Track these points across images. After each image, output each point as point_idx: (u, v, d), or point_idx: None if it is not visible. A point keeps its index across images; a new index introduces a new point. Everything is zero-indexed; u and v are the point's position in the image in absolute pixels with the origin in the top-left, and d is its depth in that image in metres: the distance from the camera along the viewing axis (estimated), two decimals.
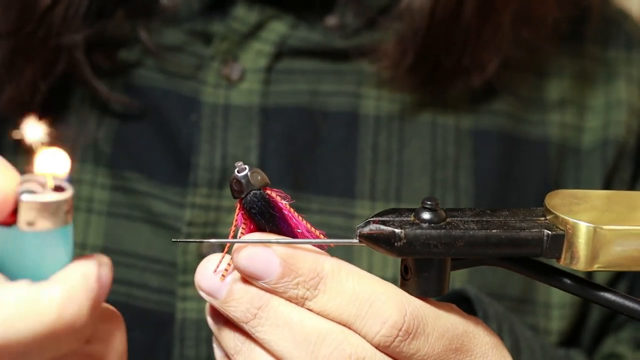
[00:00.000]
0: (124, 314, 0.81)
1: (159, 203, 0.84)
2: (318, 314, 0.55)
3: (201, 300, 0.80)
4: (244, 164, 0.56)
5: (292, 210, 0.57)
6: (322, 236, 0.58)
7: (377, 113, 0.88)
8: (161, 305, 0.82)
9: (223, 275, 0.57)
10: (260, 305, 0.55)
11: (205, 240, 0.59)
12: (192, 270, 0.81)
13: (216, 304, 0.57)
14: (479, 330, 0.59)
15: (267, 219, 0.56)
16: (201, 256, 0.82)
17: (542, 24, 0.88)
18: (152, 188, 0.85)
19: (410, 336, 0.55)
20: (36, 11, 0.80)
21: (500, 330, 0.72)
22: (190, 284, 0.82)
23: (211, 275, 0.57)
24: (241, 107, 0.86)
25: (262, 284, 0.55)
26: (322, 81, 0.88)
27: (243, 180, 0.56)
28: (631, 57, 0.94)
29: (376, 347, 0.55)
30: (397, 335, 0.55)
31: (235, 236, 0.57)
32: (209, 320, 0.59)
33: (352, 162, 0.86)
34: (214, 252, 0.81)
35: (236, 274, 0.57)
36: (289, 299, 0.55)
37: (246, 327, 0.56)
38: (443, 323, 0.57)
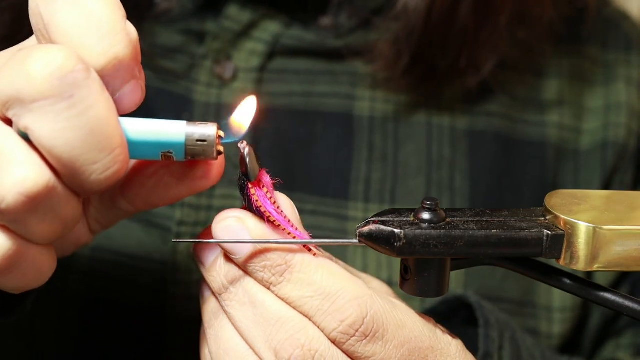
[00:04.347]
0: (114, 312, 0.83)
1: None
2: (282, 300, 0.59)
3: (191, 299, 0.82)
4: (247, 146, 0.59)
5: (276, 207, 0.60)
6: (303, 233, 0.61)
7: (372, 114, 0.89)
8: (152, 303, 0.83)
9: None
10: (232, 279, 0.60)
11: (205, 241, 0.61)
12: (183, 269, 0.82)
13: (203, 271, 0.62)
14: (451, 350, 0.61)
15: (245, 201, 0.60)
16: (191, 255, 0.83)
17: (538, 24, 0.90)
18: None
19: (367, 339, 0.58)
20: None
21: (501, 338, 0.74)
22: (181, 283, 0.83)
23: (206, 245, 0.62)
24: (233, 107, 0.87)
25: (236, 260, 0.60)
26: (316, 82, 0.89)
27: (241, 160, 0.59)
28: (630, 59, 0.95)
29: (332, 342, 0.58)
30: (354, 335, 0.58)
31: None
32: (200, 291, 0.64)
33: (346, 163, 0.88)
34: None
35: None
36: (257, 281, 0.59)
37: (220, 300, 0.61)
38: (406, 333, 0.59)
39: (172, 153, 0.57)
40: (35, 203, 0.52)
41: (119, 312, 0.84)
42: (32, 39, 0.58)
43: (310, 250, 0.60)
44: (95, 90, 0.52)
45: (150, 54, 0.87)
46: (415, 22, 0.85)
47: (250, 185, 0.60)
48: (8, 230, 0.54)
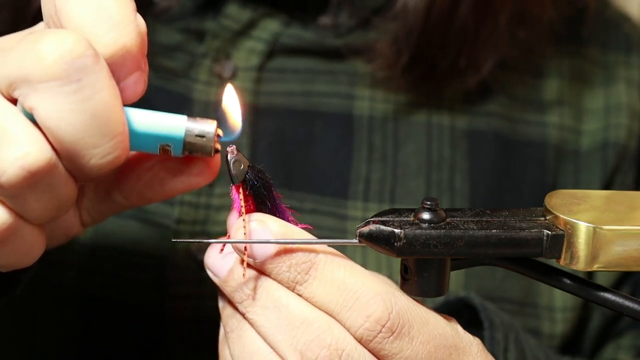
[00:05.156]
0: (112, 310, 0.83)
1: None
2: (307, 300, 0.59)
3: (189, 297, 0.82)
4: (233, 147, 0.60)
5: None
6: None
7: (371, 114, 0.89)
8: (150, 302, 0.84)
9: (221, 250, 0.61)
10: (254, 286, 0.59)
11: (205, 241, 0.62)
12: (181, 267, 0.83)
13: (218, 282, 0.61)
14: (472, 349, 0.61)
15: (267, 189, 0.61)
16: (190, 254, 0.83)
17: (538, 24, 0.90)
18: None
19: (394, 335, 0.58)
20: (29, 12, 0.81)
21: (506, 340, 0.74)
22: (179, 281, 0.83)
23: (217, 255, 0.61)
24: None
25: (257, 263, 0.59)
26: (315, 81, 0.89)
27: (241, 159, 0.60)
28: (631, 60, 0.96)
29: (359, 341, 0.58)
30: (380, 331, 0.57)
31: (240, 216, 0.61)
32: (219, 298, 0.63)
33: (345, 163, 0.88)
34: (202, 250, 0.84)
35: (238, 257, 0.60)
36: (281, 282, 0.59)
37: (240, 307, 0.60)
38: (430, 330, 0.59)
39: (170, 147, 0.58)
40: (35, 179, 0.53)
41: (117, 310, 0.84)
42: (41, 24, 0.59)
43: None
44: (102, 77, 0.53)
45: (150, 52, 0.87)
46: (415, 21, 0.85)
47: (233, 189, 0.60)
48: (5, 204, 0.55)
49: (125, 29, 0.55)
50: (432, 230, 0.58)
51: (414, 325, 0.58)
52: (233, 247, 0.60)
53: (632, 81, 0.95)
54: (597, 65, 0.95)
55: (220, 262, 0.61)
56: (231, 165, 0.59)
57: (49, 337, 0.83)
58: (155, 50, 0.88)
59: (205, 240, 0.61)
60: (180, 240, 0.84)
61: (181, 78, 0.88)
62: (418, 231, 0.58)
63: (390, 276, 0.83)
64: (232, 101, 0.62)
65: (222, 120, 0.61)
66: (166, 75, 0.88)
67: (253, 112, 0.88)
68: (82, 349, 0.84)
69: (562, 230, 0.58)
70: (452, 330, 0.60)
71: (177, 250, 0.84)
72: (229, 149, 0.60)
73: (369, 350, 0.58)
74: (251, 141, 0.87)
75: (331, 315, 0.58)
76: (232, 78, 0.88)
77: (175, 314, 0.83)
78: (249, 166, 0.60)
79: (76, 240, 0.84)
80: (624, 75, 0.95)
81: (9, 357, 0.84)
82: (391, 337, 0.57)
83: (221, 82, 0.88)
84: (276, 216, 0.61)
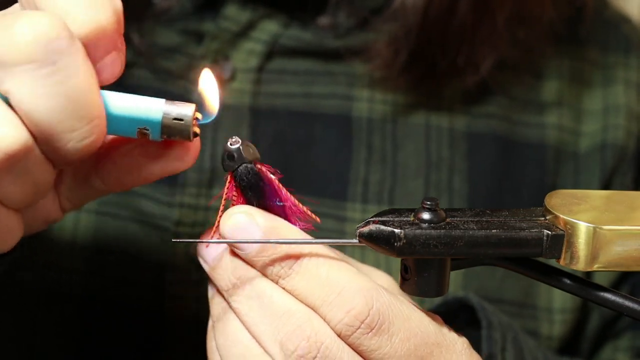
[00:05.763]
0: (113, 312, 0.83)
1: (148, 202, 0.86)
2: (289, 293, 0.60)
3: (189, 299, 0.83)
4: (238, 138, 0.60)
5: (280, 185, 0.61)
6: (309, 213, 0.62)
7: (370, 115, 0.90)
8: (150, 304, 0.84)
9: (207, 246, 0.62)
10: (240, 275, 0.60)
11: (205, 241, 0.62)
12: (180, 269, 0.83)
13: (207, 269, 0.62)
14: (457, 347, 0.61)
15: (255, 191, 0.61)
16: (189, 256, 0.83)
17: (538, 24, 0.90)
18: (141, 187, 0.86)
19: (373, 331, 0.58)
20: None
21: (504, 340, 0.74)
22: (179, 282, 0.83)
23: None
24: (231, 107, 0.87)
25: (244, 255, 0.60)
26: (314, 82, 0.89)
27: (235, 153, 0.60)
28: (629, 62, 0.96)
29: (338, 335, 0.59)
30: (359, 327, 0.58)
31: (226, 208, 0.61)
32: (208, 287, 0.65)
33: (345, 165, 0.88)
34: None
35: (227, 247, 0.61)
36: (266, 275, 0.60)
37: (226, 295, 0.61)
38: (412, 327, 0.59)
39: (148, 130, 0.58)
40: (12, 162, 0.53)
41: (117, 310, 0.84)
42: (16, 6, 0.58)
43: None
44: (78, 59, 0.53)
45: (149, 54, 0.88)
46: (413, 20, 0.86)
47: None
48: None
49: (100, 7, 0.54)
50: (432, 230, 0.58)
51: (395, 322, 0.58)
52: (221, 233, 0.60)
53: (631, 82, 0.95)
54: (596, 66, 0.95)
55: (210, 250, 0.62)
56: (242, 148, 0.59)
57: (49, 337, 0.83)
58: (155, 52, 0.88)
59: (205, 240, 0.62)
60: (180, 240, 0.84)
61: (180, 80, 0.88)
62: (418, 231, 0.58)
63: None
64: (209, 84, 0.62)
65: (199, 104, 0.61)
66: (165, 76, 0.88)
67: (252, 114, 0.88)
68: (82, 349, 0.84)
69: (562, 230, 0.58)
70: (436, 329, 0.60)
71: (177, 252, 0.84)
72: (232, 139, 0.60)
73: (349, 345, 0.59)
74: (251, 142, 0.87)
75: (313, 309, 0.59)
76: (231, 79, 0.88)
77: (175, 314, 0.84)
78: (243, 163, 0.60)
79: (76, 241, 0.84)
80: (623, 77, 0.95)
81: (9, 357, 0.84)
82: (370, 334, 0.58)
83: (220, 84, 0.88)
84: (275, 212, 0.61)
